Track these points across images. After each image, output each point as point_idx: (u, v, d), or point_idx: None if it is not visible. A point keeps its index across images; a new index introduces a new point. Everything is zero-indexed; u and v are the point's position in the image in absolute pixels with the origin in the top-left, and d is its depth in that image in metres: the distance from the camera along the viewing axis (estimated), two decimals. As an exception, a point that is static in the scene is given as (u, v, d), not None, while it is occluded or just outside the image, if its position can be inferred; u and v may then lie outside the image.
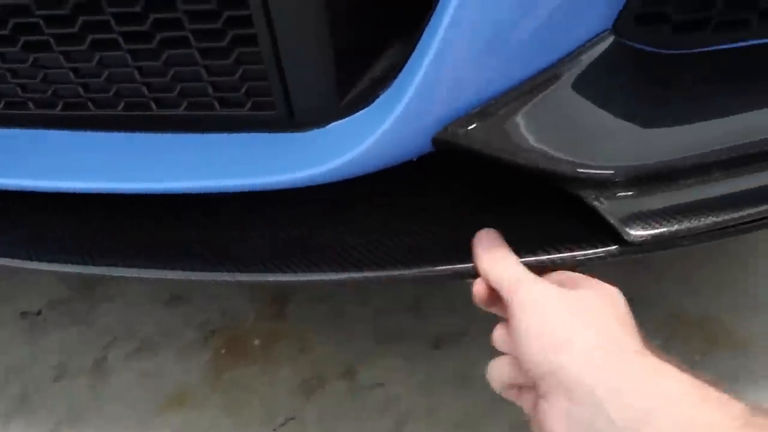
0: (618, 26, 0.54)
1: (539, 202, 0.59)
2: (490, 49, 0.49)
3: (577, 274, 0.51)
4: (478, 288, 0.51)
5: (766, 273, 0.93)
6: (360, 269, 0.56)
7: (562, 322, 0.44)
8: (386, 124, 0.51)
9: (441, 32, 0.46)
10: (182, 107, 0.60)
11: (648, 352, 0.43)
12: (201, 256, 0.61)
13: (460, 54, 0.48)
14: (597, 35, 0.53)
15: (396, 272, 0.55)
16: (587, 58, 0.53)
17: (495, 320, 0.52)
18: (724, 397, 0.39)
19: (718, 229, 0.53)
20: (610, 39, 0.54)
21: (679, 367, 0.42)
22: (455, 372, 0.83)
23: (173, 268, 0.62)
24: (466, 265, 0.53)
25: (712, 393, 0.40)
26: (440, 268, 0.54)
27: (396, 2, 0.54)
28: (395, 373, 0.83)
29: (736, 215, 0.53)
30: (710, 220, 0.53)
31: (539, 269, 0.52)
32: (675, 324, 0.87)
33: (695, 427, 0.37)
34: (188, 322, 0.93)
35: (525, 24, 0.48)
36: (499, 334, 0.50)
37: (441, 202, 0.61)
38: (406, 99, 0.50)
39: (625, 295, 0.47)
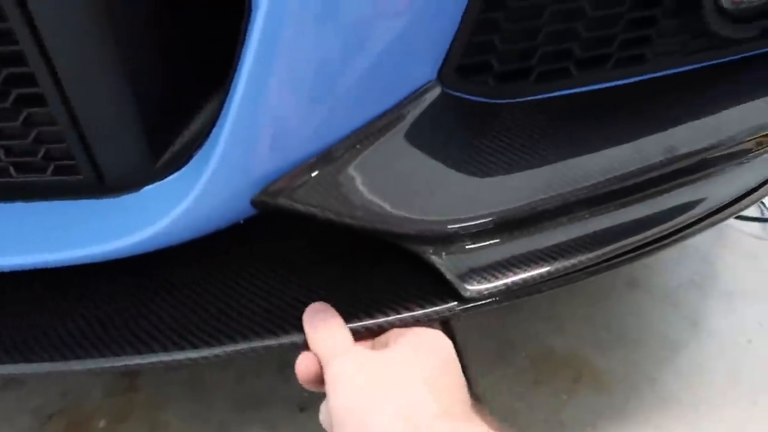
0: (443, 77, 0.53)
1: (381, 256, 0.56)
2: (302, 102, 0.46)
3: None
4: (301, 364, 0.47)
5: (624, 306, 0.96)
6: (183, 348, 0.50)
7: (363, 399, 0.41)
8: (200, 186, 0.47)
9: (242, 87, 0.43)
10: (-30, 173, 0.52)
11: (456, 411, 0.41)
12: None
13: (267, 107, 0.44)
14: (423, 86, 0.52)
15: (224, 349, 0.50)
16: (415, 110, 0.52)
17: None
18: None
19: (556, 278, 0.53)
20: (437, 89, 0.53)
21: (488, 421, 0.41)
22: (321, 437, 0.78)
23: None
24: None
25: None
26: (270, 342, 0.50)
27: (207, 50, 0.51)
28: (257, 444, 0.77)
29: (570, 263, 0.53)
30: (547, 269, 0.53)
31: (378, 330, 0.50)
32: (543, 363, 0.87)
33: None
34: (22, 408, 0.81)
35: (338, 74, 0.46)
36: (322, 414, 0.46)
37: (276, 259, 0.56)
38: (216, 158, 0.45)
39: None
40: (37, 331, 0.54)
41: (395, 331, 0.48)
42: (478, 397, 0.45)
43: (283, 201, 0.48)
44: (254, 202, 0.48)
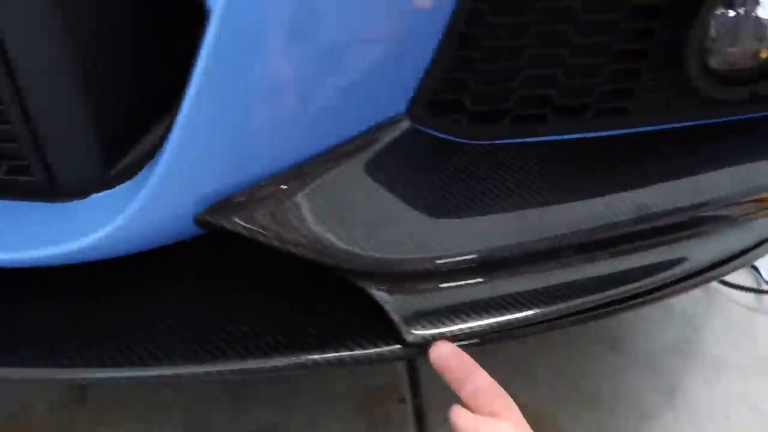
0: (414, 111, 0.51)
1: (332, 288, 0.54)
2: (253, 122, 0.44)
3: None
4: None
5: (603, 367, 0.92)
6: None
7: None
8: (141, 198, 0.45)
9: (190, 102, 0.41)
10: None
11: None
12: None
13: (216, 124, 0.43)
14: (390, 118, 0.51)
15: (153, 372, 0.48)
16: (378, 142, 0.50)
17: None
18: None
19: (504, 330, 0.50)
20: (405, 123, 0.51)
21: None
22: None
23: None
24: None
25: None
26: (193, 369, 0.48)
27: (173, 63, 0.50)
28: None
29: (524, 315, 0.50)
30: (500, 319, 0.50)
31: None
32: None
33: None
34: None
35: (293, 97, 0.44)
36: None
37: (211, 281, 0.54)
38: (159, 171, 0.44)
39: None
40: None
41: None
42: None
43: (225, 221, 0.46)
44: (197, 220, 0.46)
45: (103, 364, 0.48)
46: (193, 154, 0.44)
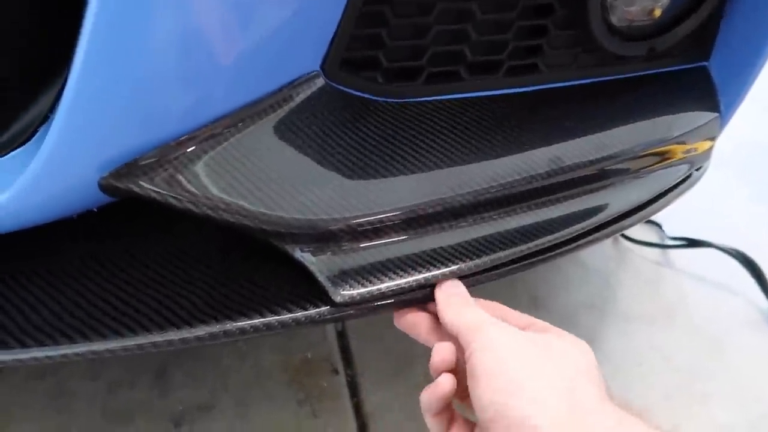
0: (328, 68, 0.51)
1: (258, 253, 0.52)
2: (159, 79, 0.41)
3: (545, 322, 0.49)
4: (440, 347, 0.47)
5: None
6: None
7: (517, 365, 0.41)
8: (35, 166, 0.42)
9: (85, 55, 0.38)
10: None
11: (612, 405, 0.40)
12: None
13: (118, 84, 0.40)
14: (304, 75, 0.50)
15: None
16: (293, 100, 0.49)
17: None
18: None
19: (431, 286, 0.50)
20: (320, 81, 0.50)
21: (648, 422, 0.40)
22: (197, 454, 0.72)
23: None
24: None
25: None
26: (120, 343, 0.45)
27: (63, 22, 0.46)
28: (123, 462, 0.71)
29: (450, 270, 0.51)
30: (426, 275, 0.50)
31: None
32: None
33: None
34: None
35: (201, 54, 0.42)
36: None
37: (133, 255, 0.51)
38: (54, 134, 0.40)
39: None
40: None
41: (537, 325, 0.48)
42: None
43: (134, 185, 0.44)
44: (102, 186, 0.44)
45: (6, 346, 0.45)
46: (91, 112, 0.41)
